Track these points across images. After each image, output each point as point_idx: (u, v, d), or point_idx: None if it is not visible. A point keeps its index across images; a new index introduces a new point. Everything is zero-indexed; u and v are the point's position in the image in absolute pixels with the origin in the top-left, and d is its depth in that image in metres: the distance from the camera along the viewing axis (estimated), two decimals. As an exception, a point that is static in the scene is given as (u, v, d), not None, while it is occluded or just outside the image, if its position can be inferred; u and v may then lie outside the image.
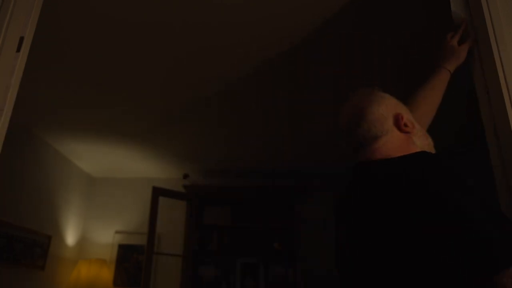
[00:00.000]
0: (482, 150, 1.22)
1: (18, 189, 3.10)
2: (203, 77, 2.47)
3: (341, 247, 0.98)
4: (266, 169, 3.98)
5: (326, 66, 2.30)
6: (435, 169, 0.83)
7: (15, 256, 3.02)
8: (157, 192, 3.73)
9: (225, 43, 2.13)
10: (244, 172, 4.06)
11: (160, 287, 3.81)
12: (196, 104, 2.83)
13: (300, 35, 2.06)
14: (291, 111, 2.91)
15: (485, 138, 1.13)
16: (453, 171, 0.82)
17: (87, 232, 4.09)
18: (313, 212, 3.86)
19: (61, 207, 3.70)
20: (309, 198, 3.94)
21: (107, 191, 4.26)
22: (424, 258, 0.75)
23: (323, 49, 2.17)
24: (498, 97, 1.08)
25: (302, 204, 3.90)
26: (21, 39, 1.23)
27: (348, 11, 1.86)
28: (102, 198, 4.23)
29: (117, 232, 4.08)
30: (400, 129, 0.99)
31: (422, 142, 1.00)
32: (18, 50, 1.22)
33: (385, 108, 1.00)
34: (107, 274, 3.71)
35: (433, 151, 1.03)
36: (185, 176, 4.10)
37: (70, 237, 3.85)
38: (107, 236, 4.06)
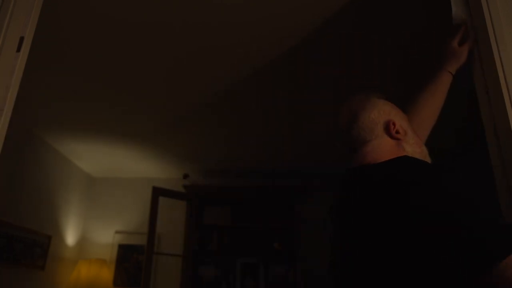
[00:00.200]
0: (482, 150, 1.22)
1: (18, 189, 3.10)
2: (203, 77, 2.47)
3: (333, 253, 1.00)
4: (266, 169, 3.98)
5: (326, 66, 2.30)
6: (414, 174, 0.86)
7: (15, 256, 3.02)
8: (157, 192, 3.73)
9: (225, 43, 2.13)
10: (244, 172, 4.06)
11: (160, 287, 3.81)
12: (196, 104, 2.83)
13: (300, 35, 2.06)
14: (291, 111, 2.91)
15: (485, 138, 1.13)
16: (432, 174, 0.84)
17: (87, 232, 4.09)
18: (313, 212, 3.85)
19: (61, 207, 3.70)
20: (309, 198, 3.94)
21: (107, 191, 4.26)
22: (413, 265, 0.76)
23: (323, 49, 2.17)
24: (498, 97, 1.08)
25: (302, 204, 3.89)
26: (21, 39, 1.23)
27: (348, 11, 1.86)
28: (102, 198, 4.23)
29: (117, 232, 4.08)
30: (391, 135, 1.00)
31: (413, 150, 1.01)
32: (18, 50, 1.21)
33: (377, 113, 1.03)
34: (107, 274, 3.70)
35: (427, 159, 1.03)
36: (185, 176, 4.10)
37: (70, 237, 3.85)
38: (107, 236, 4.07)
